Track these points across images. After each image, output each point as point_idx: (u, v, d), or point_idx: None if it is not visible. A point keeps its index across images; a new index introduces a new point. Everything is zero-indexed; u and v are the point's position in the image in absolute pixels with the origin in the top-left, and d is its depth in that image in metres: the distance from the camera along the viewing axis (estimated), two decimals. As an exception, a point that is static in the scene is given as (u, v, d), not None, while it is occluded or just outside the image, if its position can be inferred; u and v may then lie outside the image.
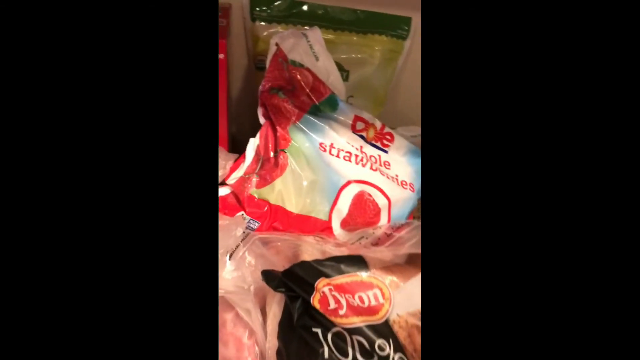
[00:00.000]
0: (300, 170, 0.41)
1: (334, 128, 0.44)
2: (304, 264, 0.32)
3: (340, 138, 0.44)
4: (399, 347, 0.28)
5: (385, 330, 0.29)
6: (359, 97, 0.56)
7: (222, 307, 0.33)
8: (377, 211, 0.44)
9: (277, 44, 0.43)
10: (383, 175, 0.45)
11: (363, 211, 0.43)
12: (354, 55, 0.54)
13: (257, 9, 0.51)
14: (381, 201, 0.44)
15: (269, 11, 0.51)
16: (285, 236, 0.37)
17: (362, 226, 0.43)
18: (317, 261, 0.32)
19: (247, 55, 0.54)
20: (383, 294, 0.31)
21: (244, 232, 0.34)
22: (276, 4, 0.51)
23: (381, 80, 0.56)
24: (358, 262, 0.33)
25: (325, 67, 0.46)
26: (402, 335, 0.29)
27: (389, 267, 0.33)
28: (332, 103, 0.45)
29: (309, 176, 0.41)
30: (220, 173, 0.40)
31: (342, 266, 0.32)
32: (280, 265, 0.34)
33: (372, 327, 0.29)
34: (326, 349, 0.28)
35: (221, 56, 0.38)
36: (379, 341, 0.28)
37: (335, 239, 0.42)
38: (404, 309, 0.30)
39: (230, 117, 0.48)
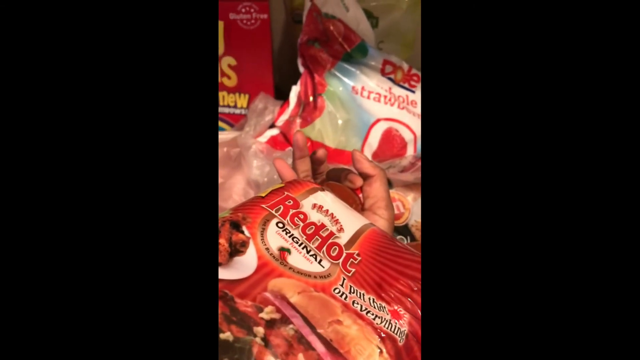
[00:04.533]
0: (335, 111, 0.48)
1: (364, 72, 0.50)
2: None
3: (371, 81, 0.50)
4: (414, 240, 0.37)
5: (404, 230, 0.37)
6: (388, 42, 0.60)
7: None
8: (404, 144, 0.50)
9: (311, 0, 0.48)
10: (410, 113, 0.51)
11: (391, 145, 0.50)
12: (383, 2, 0.58)
13: (292, -35, 0.55)
14: (407, 136, 0.50)
15: (303, -34, 0.55)
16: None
17: (391, 158, 0.50)
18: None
19: (285, 10, 0.60)
20: (404, 205, 0.39)
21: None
22: (309, -41, 0.55)
23: (409, 25, 0.59)
24: (384, 182, 0.41)
25: (355, 17, 0.51)
26: (417, 234, 0.37)
27: (410, 186, 0.41)
28: (362, 49, 0.50)
29: (343, 116, 0.48)
30: (269, 117, 0.48)
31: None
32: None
33: (395, 228, 0.38)
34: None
35: (265, 16, 0.45)
36: (399, 237, 0.37)
37: (368, 169, 0.50)
38: (420, 217, 0.38)
39: (274, 69, 0.56)
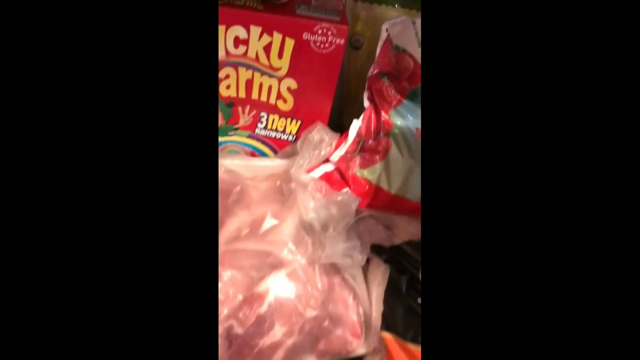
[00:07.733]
0: (400, 155, 0.44)
1: (429, 115, 0.46)
2: (412, 242, 0.35)
3: (435, 125, 0.46)
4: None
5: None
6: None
7: (332, 271, 0.38)
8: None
9: (387, 30, 0.44)
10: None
11: (451, 197, 0.46)
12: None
13: (360, -12, 0.52)
14: (468, 189, 0.46)
15: (370, -9, 0.52)
16: (383, 214, 0.41)
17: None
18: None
19: (343, 34, 0.56)
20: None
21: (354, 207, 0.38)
22: (380, -15, 0.51)
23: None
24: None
25: (426, 54, 0.48)
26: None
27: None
28: (429, 90, 0.47)
29: (408, 160, 0.44)
30: (327, 150, 0.44)
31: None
32: (382, 239, 0.39)
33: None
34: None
35: (341, 41, 0.40)
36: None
37: (422, 219, 0.46)
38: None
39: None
